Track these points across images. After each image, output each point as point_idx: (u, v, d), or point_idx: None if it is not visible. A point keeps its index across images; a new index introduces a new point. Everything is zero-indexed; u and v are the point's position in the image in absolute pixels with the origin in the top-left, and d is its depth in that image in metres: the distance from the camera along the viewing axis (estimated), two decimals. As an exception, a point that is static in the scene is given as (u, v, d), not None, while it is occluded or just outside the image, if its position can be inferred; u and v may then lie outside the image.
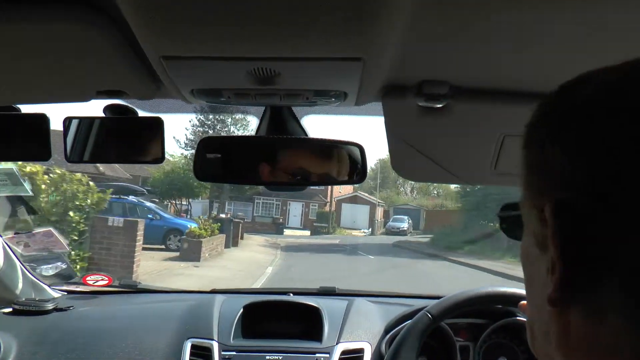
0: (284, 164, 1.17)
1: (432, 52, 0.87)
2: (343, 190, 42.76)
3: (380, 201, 45.71)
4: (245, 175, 1.24)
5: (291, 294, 2.27)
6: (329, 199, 40.64)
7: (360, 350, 1.89)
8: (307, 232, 35.68)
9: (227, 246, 17.50)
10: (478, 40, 0.81)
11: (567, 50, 0.84)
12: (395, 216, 42.35)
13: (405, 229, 38.50)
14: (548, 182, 0.47)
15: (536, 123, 0.51)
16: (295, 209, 40.79)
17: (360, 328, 1.98)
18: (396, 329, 1.83)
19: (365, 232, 39.85)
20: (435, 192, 58.90)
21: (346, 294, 2.34)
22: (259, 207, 39.39)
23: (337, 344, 1.91)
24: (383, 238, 33.49)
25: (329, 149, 1.21)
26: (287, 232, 34.00)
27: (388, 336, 1.84)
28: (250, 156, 1.19)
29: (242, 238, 21.58)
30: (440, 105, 1.00)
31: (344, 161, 1.19)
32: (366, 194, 46.06)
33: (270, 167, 1.16)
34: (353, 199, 43.88)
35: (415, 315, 1.75)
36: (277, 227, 33.62)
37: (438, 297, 1.95)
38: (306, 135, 1.18)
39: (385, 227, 40.53)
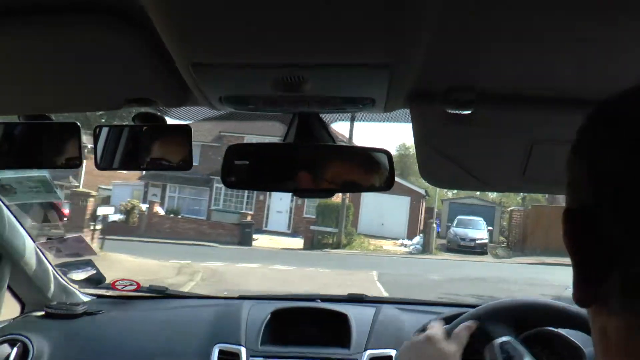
0: (312, 172, 1.17)
1: (460, 58, 0.87)
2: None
3: (420, 190, 26.14)
4: (274, 183, 1.25)
5: (319, 300, 2.26)
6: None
7: (389, 358, 1.87)
8: (299, 241, 21.20)
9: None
10: (506, 45, 0.80)
11: (595, 56, 0.82)
12: (461, 217, 24.01)
13: (484, 241, 22.50)
14: (568, 192, 0.53)
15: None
16: (281, 200, 24.41)
17: (388, 335, 1.96)
18: None
19: (405, 244, 23.05)
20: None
21: (374, 301, 2.33)
22: (219, 196, 24.48)
23: (364, 350, 1.90)
24: (447, 261, 18.77)
25: (357, 155, 1.20)
26: (262, 240, 21.00)
27: None
28: (278, 163, 1.19)
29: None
30: (468, 112, 0.99)
31: (371, 168, 1.19)
32: (403, 180, 25.90)
33: (298, 174, 1.16)
34: (382, 185, 25.67)
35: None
36: (241, 233, 20.18)
37: (467, 306, 1.92)
38: (334, 142, 1.17)
39: (447, 236, 23.55)
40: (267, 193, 23.30)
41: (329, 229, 21.33)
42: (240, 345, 1.90)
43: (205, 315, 2.12)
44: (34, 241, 2.12)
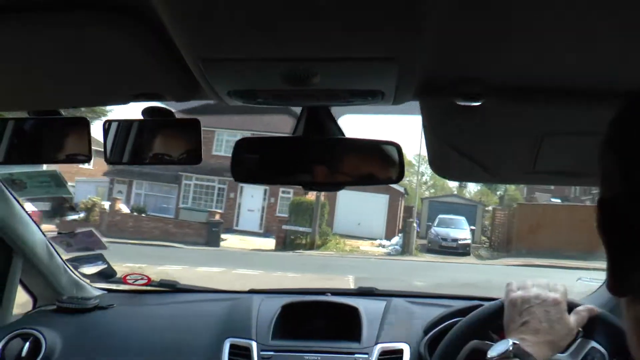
0: (322, 165, 1.17)
1: (468, 50, 0.86)
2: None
3: (400, 188, 24.76)
4: (284, 176, 1.25)
5: (329, 294, 2.26)
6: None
7: (400, 351, 1.87)
8: (271, 242, 19.78)
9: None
10: (515, 37, 0.80)
11: (604, 48, 0.81)
12: (443, 216, 22.95)
13: (466, 241, 21.17)
14: (601, 183, 0.54)
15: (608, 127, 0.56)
16: (252, 198, 23.02)
17: (399, 328, 1.96)
18: (435, 330, 1.81)
19: (383, 245, 21.56)
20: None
21: (385, 294, 2.32)
22: (188, 194, 22.99)
23: (375, 344, 1.90)
24: (429, 263, 17.23)
25: (367, 148, 1.20)
26: (231, 241, 19.60)
27: (427, 337, 1.81)
28: (288, 157, 1.19)
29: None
30: (478, 104, 0.98)
31: (381, 160, 1.18)
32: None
33: (308, 168, 1.16)
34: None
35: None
36: (208, 233, 18.89)
37: (479, 299, 1.91)
38: (343, 135, 1.17)
39: (428, 236, 22.30)
40: (238, 190, 22.70)
41: (302, 229, 19.96)
42: (251, 339, 1.91)
43: (216, 309, 2.13)
44: (45, 236, 2.13)
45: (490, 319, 1.53)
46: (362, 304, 2.07)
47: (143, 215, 21.07)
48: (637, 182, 0.47)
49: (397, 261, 17.82)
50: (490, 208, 27.93)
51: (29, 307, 2.21)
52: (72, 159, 1.31)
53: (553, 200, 25.51)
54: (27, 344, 1.87)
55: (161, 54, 0.84)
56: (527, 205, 23.85)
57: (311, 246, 19.44)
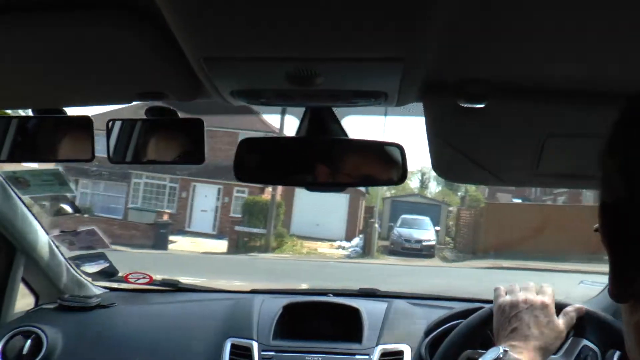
0: (325, 166, 1.16)
1: (473, 51, 0.86)
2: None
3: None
4: (288, 176, 1.25)
5: (331, 295, 2.26)
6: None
7: (400, 353, 1.87)
8: (223, 244, 18.37)
9: None
10: (519, 38, 0.80)
11: (607, 50, 0.81)
12: (406, 216, 21.52)
13: (431, 242, 20.00)
14: (602, 187, 0.53)
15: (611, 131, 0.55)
16: (206, 197, 21.48)
17: (400, 330, 1.96)
18: (436, 331, 1.81)
19: (343, 247, 20.05)
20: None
21: (387, 295, 2.32)
22: (138, 193, 21.30)
23: (376, 345, 1.90)
24: (392, 267, 15.86)
25: (370, 149, 1.20)
26: (182, 243, 18.02)
27: (428, 339, 1.81)
28: (291, 158, 1.19)
29: None
30: (482, 105, 0.98)
31: (384, 162, 1.18)
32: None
33: (311, 168, 1.16)
34: (315, 182, 20.54)
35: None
36: (155, 235, 17.11)
37: (479, 301, 1.91)
38: (346, 136, 1.17)
39: (390, 237, 20.77)
40: (191, 189, 21.37)
41: (256, 230, 18.54)
42: (252, 339, 1.91)
43: (218, 309, 2.13)
44: (47, 234, 2.13)
45: (480, 327, 1.55)
46: (363, 305, 2.07)
47: (86, 215, 18.93)
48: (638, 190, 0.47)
49: (357, 264, 16.30)
50: (452, 208, 26.91)
51: (31, 304, 2.21)
52: (75, 158, 1.31)
53: (514, 200, 24.83)
54: (29, 341, 1.87)
55: (164, 52, 0.84)
56: (496, 204, 22.68)
57: (266, 248, 18.16)
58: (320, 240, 20.67)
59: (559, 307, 1.34)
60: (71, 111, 1.26)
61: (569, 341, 1.47)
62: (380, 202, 25.29)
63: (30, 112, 1.28)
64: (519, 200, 24.85)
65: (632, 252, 0.47)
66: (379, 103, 1.02)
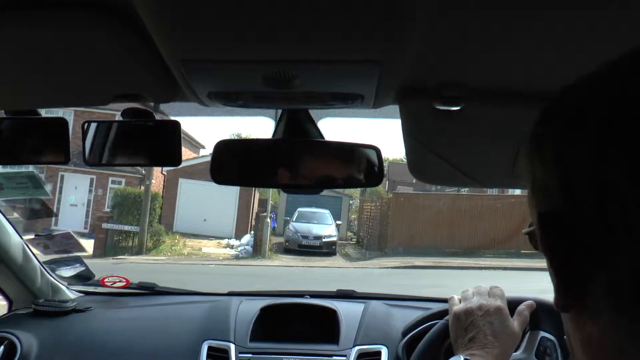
0: (301, 167, 1.17)
1: (450, 54, 0.87)
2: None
3: None
4: (264, 178, 1.25)
5: (308, 297, 2.27)
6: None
7: (378, 353, 1.88)
8: (89, 245, 14.41)
9: None
10: (496, 42, 0.80)
11: (586, 52, 0.83)
12: (303, 210, 19.77)
13: (332, 238, 18.19)
14: (535, 194, 0.50)
15: (530, 135, 0.54)
16: (76, 190, 18.95)
17: (377, 331, 1.97)
18: (413, 332, 1.82)
19: (231, 245, 18.13)
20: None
21: (364, 297, 2.33)
22: None
23: (354, 346, 1.91)
24: (287, 269, 14.31)
25: (346, 151, 1.21)
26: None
27: (405, 339, 1.83)
28: (267, 159, 1.19)
29: None
30: (458, 108, 0.99)
31: (360, 164, 1.19)
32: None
33: (288, 170, 1.17)
34: (200, 171, 18.45)
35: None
36: None
37: None
38: (323, 138, 1.18)
39: (285, 234, 19.00)
40: (58, 180, 18.75)
41: (127, 227, 16.10)
42: (229, 341, 1.90)
43: (195, 311, 2.12)
44: (21, 238, 2.10)
45: (440, 339, 1.59)
46: (340, 307, 2.07)
47: None
48: (582, 196, 0.44)
49: (246, 267, 14.34)
50: (354, 201, 25.41)
51: (4, 310, 2.17)
52: (50, 160, 1.30)
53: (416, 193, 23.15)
54: (2, 348, 1.84)
55: (142, 54, 0.84)
56: (405, 194, 20.35)
57: (139, 250, 15.93)
58: (206, 238, 18.82)
59: (513, 305, 1.35)
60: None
61: (527, 336, 1.54)
62: (276, 194, 23.10)
63: (2, 114, 1.27)
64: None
65: (578, 260, 0.45)
66: (355, 105, 1.03)
